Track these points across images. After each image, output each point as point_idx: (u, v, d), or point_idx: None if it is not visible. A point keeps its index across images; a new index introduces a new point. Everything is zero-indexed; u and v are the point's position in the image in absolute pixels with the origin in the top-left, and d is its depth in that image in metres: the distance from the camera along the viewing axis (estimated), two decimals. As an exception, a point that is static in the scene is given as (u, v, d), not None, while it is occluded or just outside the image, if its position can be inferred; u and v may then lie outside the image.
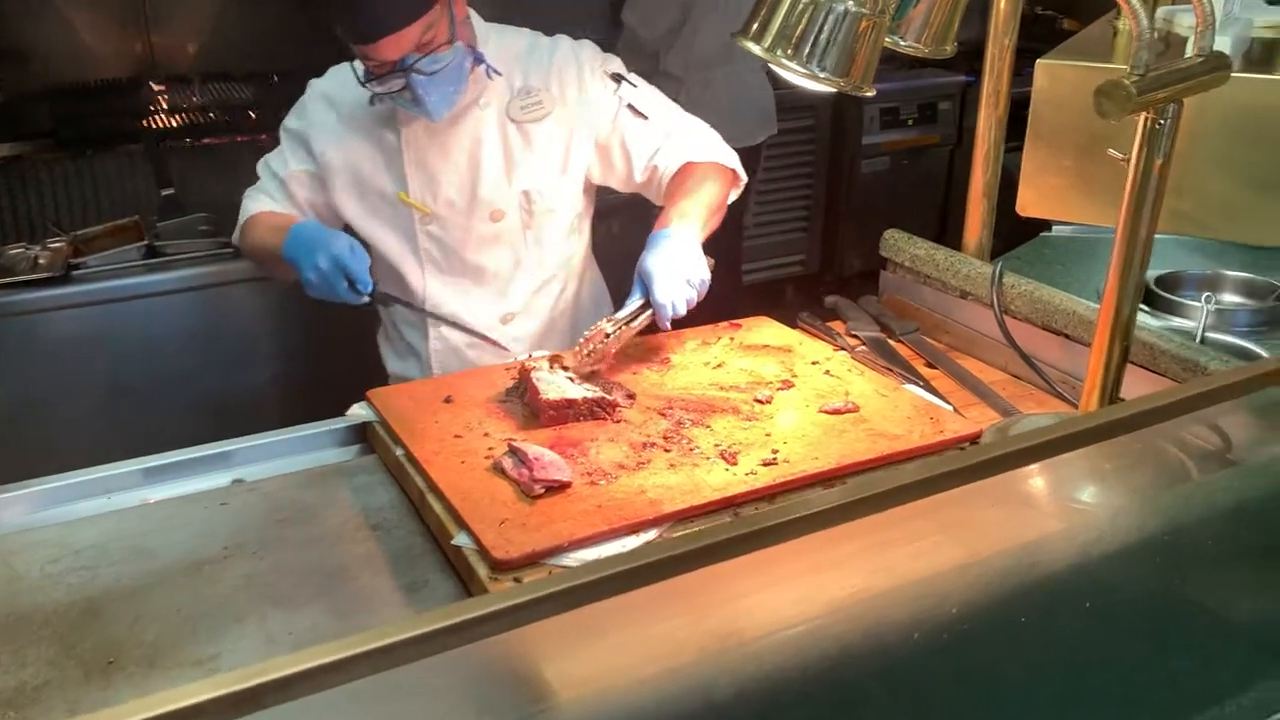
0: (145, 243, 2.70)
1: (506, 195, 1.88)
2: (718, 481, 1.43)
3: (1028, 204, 1.79)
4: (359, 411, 1.68)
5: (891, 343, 1.95)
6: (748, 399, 1.67)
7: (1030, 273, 2.22)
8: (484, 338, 1.87)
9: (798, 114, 4.59)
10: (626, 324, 1.70)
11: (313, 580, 1.36)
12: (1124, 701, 1.04)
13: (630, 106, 1.89)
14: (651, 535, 1.35)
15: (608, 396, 1.60)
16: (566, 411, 1.57)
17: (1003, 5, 1.80)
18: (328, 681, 0.82)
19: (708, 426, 1.58)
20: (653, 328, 1.75)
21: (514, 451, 1.45)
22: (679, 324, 1.84)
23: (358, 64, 1.74)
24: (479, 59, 1.82)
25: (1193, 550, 1.11)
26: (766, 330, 1.94)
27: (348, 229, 1.90)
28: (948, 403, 1.71)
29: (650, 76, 3.61)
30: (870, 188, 4.97)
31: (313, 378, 2.46)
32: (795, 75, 1.38)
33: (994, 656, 0.97)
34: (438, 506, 1.41)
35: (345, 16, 1.65)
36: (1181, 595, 1.12)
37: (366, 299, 1.74)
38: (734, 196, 1.99)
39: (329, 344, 2.37)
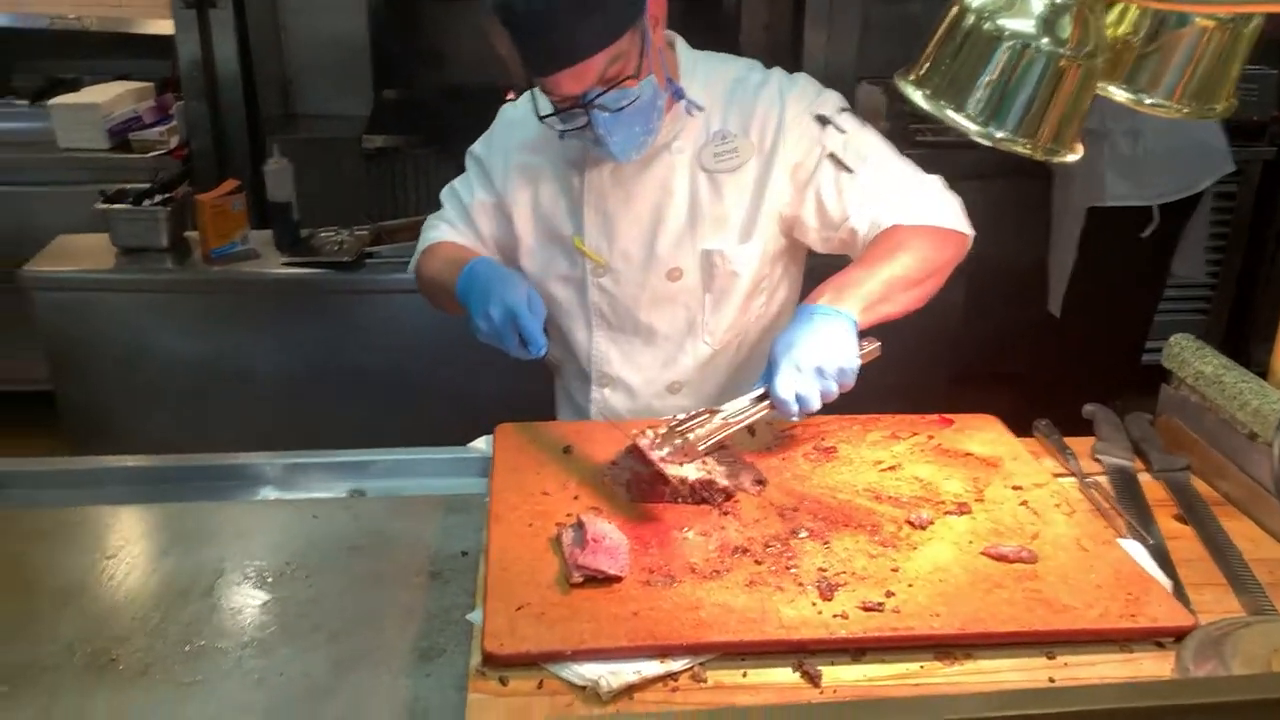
0: (432, 240, 2.81)
1: (687, 253, 1.67)
2: (793, 616, 1.16)
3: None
4: (480, 445, 1.58)
5: (1143, 479, 1.52)
6: (900, 519, 1.36)
7: None
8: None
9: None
10: (726, 420, 1.41)
11: (339, 621, 1.26)
12: None
13: (833, 156, 1.61)
14: (681, 664, 1.11)
15: (718, 481, 1.36)
16: (662, 490, 1.36)
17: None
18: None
19: (826, 543, 1.30)
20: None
21: (579, 526, 1.27)
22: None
23: (539, 95, 1.55)
24: (679, 93, 1.61)
25: None
26: (981, 434, 1.59)
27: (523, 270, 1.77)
28: (1172, 576, 1.29)
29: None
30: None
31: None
32: (968, 133, 1.08)
33: None
34: (482, 570, 1.27)
35: (521, 46, 1.46)
36: None
37: (537, 358, 1.50)
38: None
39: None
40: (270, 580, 1.33)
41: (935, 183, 1.64)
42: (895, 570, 1.25)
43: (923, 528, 1.34)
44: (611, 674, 1.08)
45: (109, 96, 3.84)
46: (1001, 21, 1.04)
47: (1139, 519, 1.41)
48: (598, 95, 1.48)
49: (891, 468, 1.49)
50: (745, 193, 1.64)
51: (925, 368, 3.11)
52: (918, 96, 1.09)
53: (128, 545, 1.40)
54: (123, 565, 1.36)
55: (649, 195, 1.66)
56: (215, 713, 1.13)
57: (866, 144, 1.62)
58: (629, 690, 1.08)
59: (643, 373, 1.74)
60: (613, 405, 1.76)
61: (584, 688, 1.08)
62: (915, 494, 1.42)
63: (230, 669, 1.18)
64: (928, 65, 1.09)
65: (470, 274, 1.56)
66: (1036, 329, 3.39)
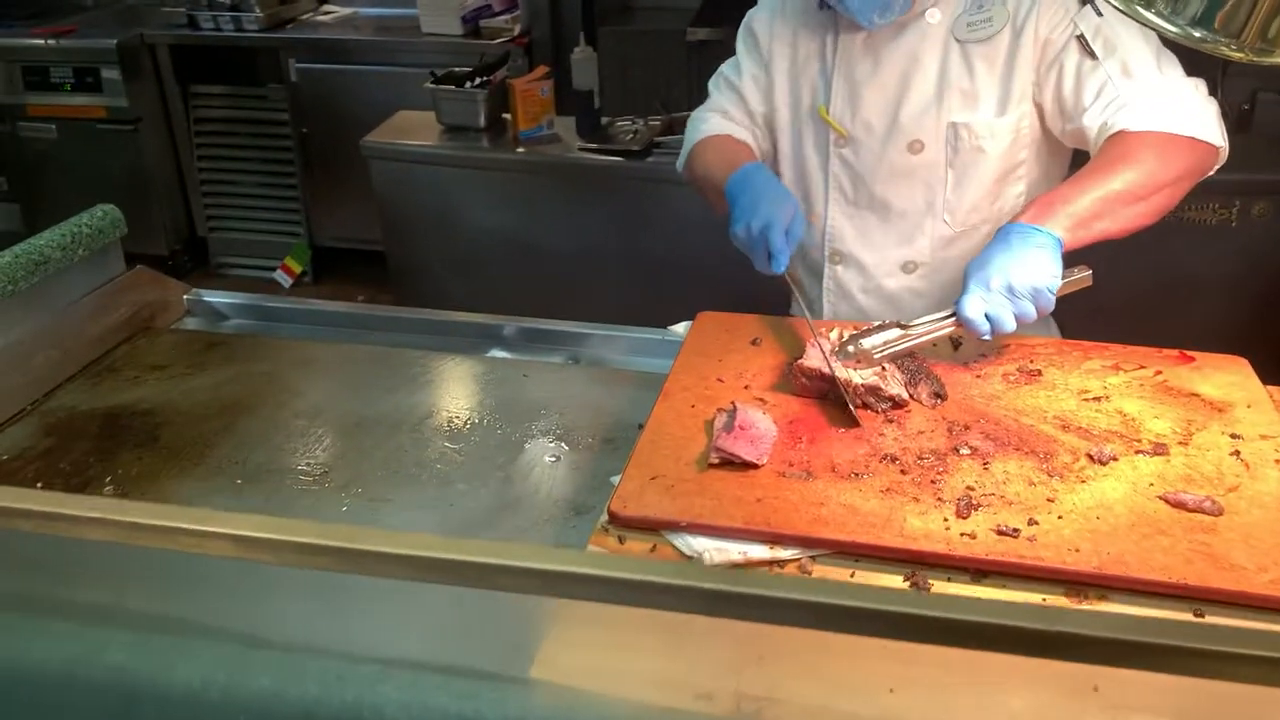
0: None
1: (931, 125, 1.62)
2: (917, 528, 1.14)
3: None
4: (679, 330, 1.64)
5: None
6: (1081, 450, 1.27)
7: None
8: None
9: None
10: (907, 334, 1.39)
11: (514, 467, 1.40)
12: None
13: (1081, 39, 1.48)
14: (790, 554, 1.13)
15: (886, 389, 1.34)
16: (822, 386, 1.36)
17: None
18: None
19: (986, 464, 1.25)
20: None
21: (733, 412, 1.31)
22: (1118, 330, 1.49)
23: None
24: None
25: None
26: (1221, 376, 1.43)
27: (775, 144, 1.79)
28: (1397, 557, 1.12)
29: None
30: None
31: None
32: (1166, 33, 0.98)
33: None
34: (638, 439, 1.34)
35: None
36: None
37: (777, 274, 1.53)
38: (1216, 168, 1.49)
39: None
40: (470, 424, 1.49)
41: (1188, 87, 1.48)
42: (1051, 500, 1.18)
43: (1103, 463, 1.25)
44: (718, 549, 1.13)
45: (466, -15, 4.18)
46: (1207, -103, 0.91)
47: (1382, 490, 1.22)
48: None
49: (1097, 398, 1.39)
50: (996, 65, 1.58)
51: (1264, 305, 2.76)
52: (1108, -13, 0.98)
53: (366, 380, 1.61)
54: (357, 397, 1.57)
55: (897, 64, 1.63)
56: (390, 526, 1.30)
57: (1122, 34, 1.48)
58: (732, 568, 1.12)
59: (876, 250, 1.72)
60: (845, 284, 1.76)
61: (691, 558, 1.13)
62: (1110, 428, 1.32)
63: (413, 494, 1.35)
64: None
65: (743, 178, 1.59)
66: None
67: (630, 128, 2.96)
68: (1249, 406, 1.36)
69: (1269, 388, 1.44)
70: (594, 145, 2.90)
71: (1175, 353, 1.49)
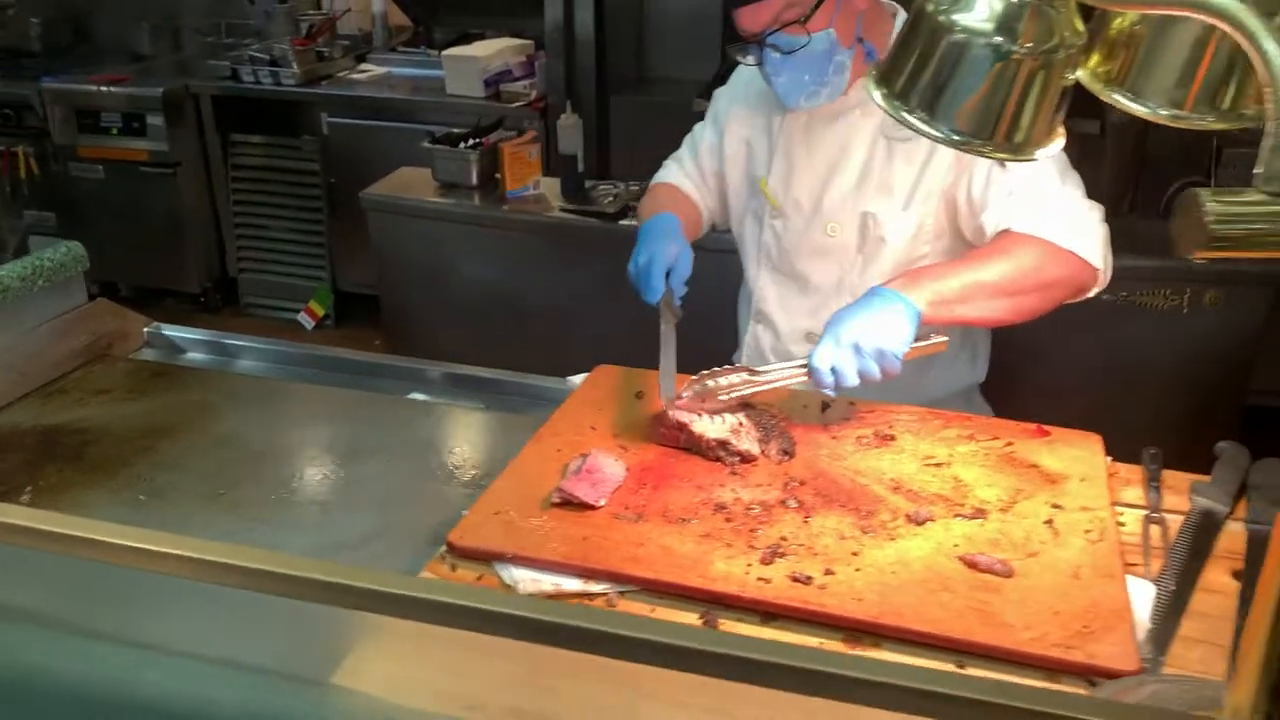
0: (696, 200, 2.98)
1: (848, 212, 1.74)
2: (720, 571, 1.23)
3: None
4: (576, 380, 1.75)
5: (1237, 528, 1.37)
6: (902, 511, 1.35)
7: None
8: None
9: None
10: (751, 379, 1.50)
11: (392, 499, 1.51)
12: None
13: None
14: (600, 588, 1.23)
15: (735, 444, 1.43)
16: (677, 435, 1.46)
17: None
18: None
19: (807, 518, 1.33)
20: None
21: (584, 457, 1.41)
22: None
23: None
24: (871, 55, 1.68)
25: None
26: (1068, 450, 1.50)
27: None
28: (1169, 624, 1.18)
29: None
30: None
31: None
32: (928, 137, 1.08)
33: None
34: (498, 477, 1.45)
35: None
36: None
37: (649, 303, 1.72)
38: (1094, 292, 1.57)
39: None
40: (362, 458, 1.61)
41: (1084, 206, 1.58)
42: (855, 554, 1.27)
43: (919, 523, 1.33)
44: (533, 580, 1.23)
45: (490, 51, 4.38)
46: (955, 15, 1.02)
47: (1182, 563, 1.29)
48: (770, 35, 1.62)
49: (938, 464, 1.47)
50: (915, 163, 1.69)
51: (1213, 392, 2.79)
52: (877, 96, 1.09)
53: (285, 413, 1.75)
54: (272, 427, 1.70)
55: (828, 150, 1.76)
56: (266, 544, 1.41)
57: None
58: (545, 598, 1.22)
59: (791, 318, 1.85)
60: (761, 343, 1.90)
61: (510, 586, 1.24)
62: (939, 492, 1.40)
63: (293, 517, 1.47)
64: (890, 61, 1.08)
65: (650, 223, 1.77)
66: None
67: (611, 191, 3.10)
68: (1082, 480, 1.43)
69: (1124, 465, 1.51)
70: (572, 206, 3.04)
71: (1033, 426, 1.57)
